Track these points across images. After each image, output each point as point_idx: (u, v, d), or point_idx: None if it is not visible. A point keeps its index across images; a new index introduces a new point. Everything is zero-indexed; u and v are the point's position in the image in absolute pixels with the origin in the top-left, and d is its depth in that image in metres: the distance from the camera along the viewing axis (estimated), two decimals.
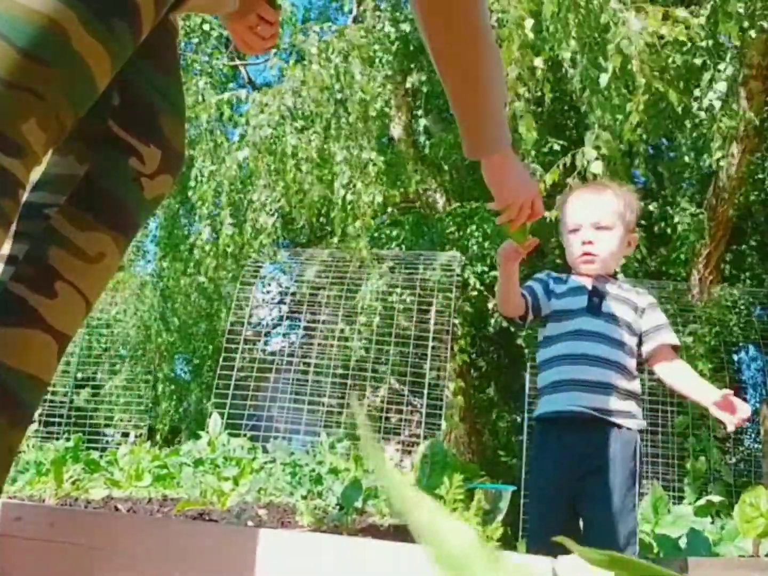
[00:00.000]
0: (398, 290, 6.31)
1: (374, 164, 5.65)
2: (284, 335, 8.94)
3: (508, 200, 1.39)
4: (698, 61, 4.71)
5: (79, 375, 7.54)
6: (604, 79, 4.00)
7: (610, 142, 4.14)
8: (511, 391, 9.68)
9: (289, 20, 6.99)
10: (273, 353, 7.81)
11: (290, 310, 8.08)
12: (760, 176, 7.88)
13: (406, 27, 6.72)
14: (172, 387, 8.57)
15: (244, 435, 4.43)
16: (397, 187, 6.97)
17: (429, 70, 6.73)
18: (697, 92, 4.92)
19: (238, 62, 8.97)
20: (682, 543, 2.39)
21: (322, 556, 0.91)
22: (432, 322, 5.89)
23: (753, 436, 8.63)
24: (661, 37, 3.78)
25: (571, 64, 4.26)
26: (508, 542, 2.43)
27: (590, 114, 4.27)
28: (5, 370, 0.79)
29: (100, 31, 0.72)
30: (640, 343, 1.77)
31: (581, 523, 1.66)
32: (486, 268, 6.80)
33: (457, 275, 6.24)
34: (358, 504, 2.38)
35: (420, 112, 7.17)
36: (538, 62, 4.16)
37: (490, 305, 6.79)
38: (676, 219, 6.71)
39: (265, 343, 8.50)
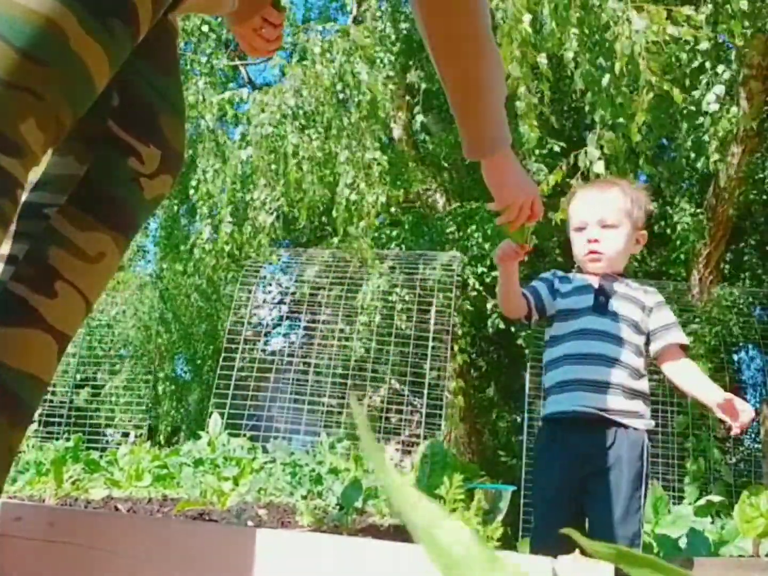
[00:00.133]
0: (398, 290, 6.32)
1: (378, 164, 5.65)
2: (284, 335, 8.96)
3: (508, 201, 1.39)
4: (696, 63, 4.71)
5: (79, 375, 7.55)
6: (606, 78, 3.99)
7: (614, 142, 4.12)
8: (511, 391, 9.68)
9: (288, 19, 6.99)
10: (273, 353, 7.82)
11: (290, 310, 8.08)
12: (760, 176, 7.89)
13: (406, 26, 6.73)
14: (173, 387, 8.57)
15: (244, 435, 4.43)
16: (398, 187, 6.97)
17: (429, 69, 6.74)
18: (696, 93, 4.92)
19: (238, 62, 8.98)
20: (682, 543, 2.39)
21: (322, 556, 0.91)
22: (432, 322, 5.89)
23: (753, 436, 8.64)
24: (666, 39, 3.77)
25: (574, 63, 4.24)
26: (508, 542, 2.43)
27: (593, 113, 4.24)
28: (5, 370, 0.79)
29: (98, 31, 0.72)
30: (648, 342, 1.75)
31: (587, 524, 1.65)
32: (486, 269, 6.80)
33: (457, 275, 6.24)
34: (358, 504, 2.38)
35: (420, 112, 7.16)
36: (540, 59, 4.14)
37: (490, 305, 6.78)
38: (676, 219, 6.72)
39: (265, 343, 8.51)
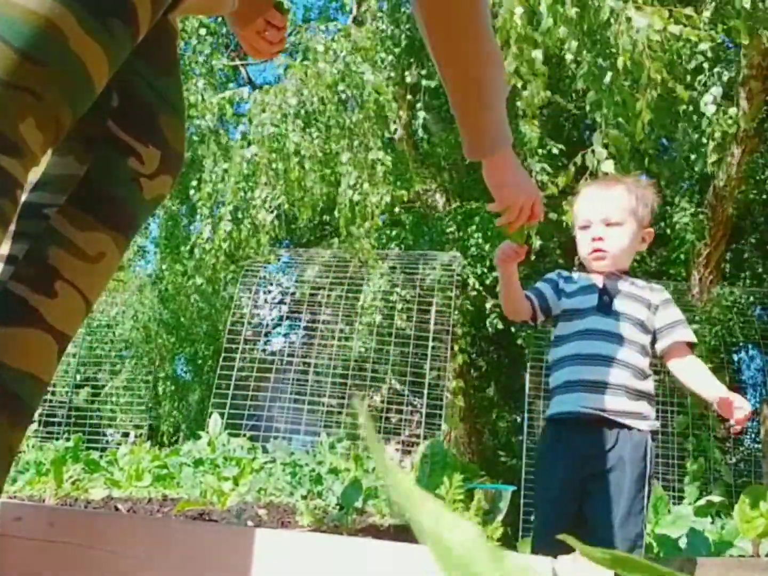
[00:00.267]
0: (398, 290, 6.32)
1: (382, 164, 5.65)
2: (284, 335, 8.96)
3: (508, 201, 1.39)
4: (694, 64, 4.71)
5: (79, 375, 7.55)
6: (608, 75, 3.97)
7: (619, 140, 4.09)
8: (511, 391, 9.68)
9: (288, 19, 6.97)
10: (273, 353, 7.82)
11: (290, 310, 8.08)
12: (761, 176, 7.89)
13: (406, 26, 6.72)
14: (173, 387, 8.58)
15: (244, 435, 4.44)
16: (399, 188, 6.97)
17: (429, 67, 6.73)
18: (694, 94, 4.92)
19: (238, 62, 8.99)
20: (682, 543, 2.39)
21: (322, 556, 0.91)
22: (432, 322, 5.89)
23: (753, 436, 8.63)
24: (667, 36, 3.76)
25: (574, 61, 4.23)
26: (508, 542, 2.43)
27: (595, 112, 4.22)
28: (5, 370, 0.79)
29: (98, 31, 0.72)
30: (654, 341, 1.73)
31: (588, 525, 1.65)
32: (486, 269, 6.80)
33: (457, 275, 6.24)
34: (358, 504, 2.39)
35: (422, 109, 7.15)
36: (536, 54, 4.12)
37: (489, 305, 6.79)
38: (676, 219, 6.72)
39: (265, 343, 8.51)
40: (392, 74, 6.53)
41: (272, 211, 5.66)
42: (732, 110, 4.52)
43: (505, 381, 10.09)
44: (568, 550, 0.78)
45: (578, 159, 4.38)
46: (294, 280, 7.21)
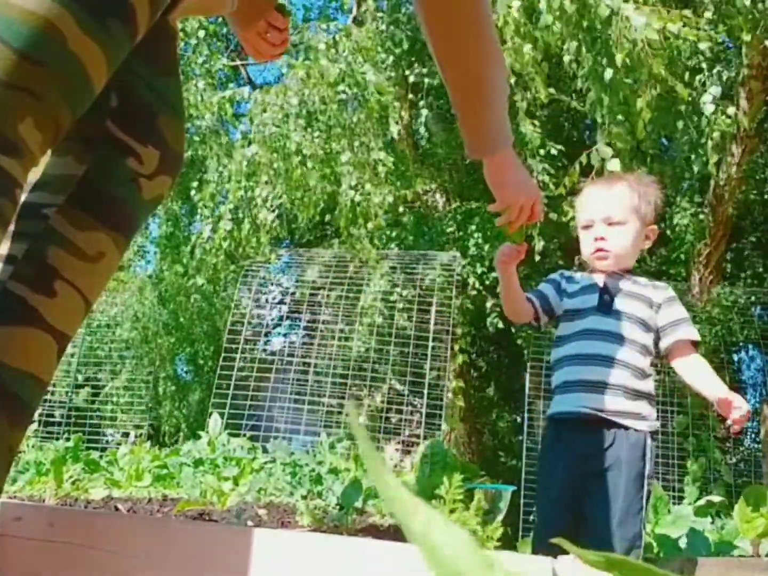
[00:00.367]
0: (398, 290, 6.32)
1: (383, 165, 5.64)
2: (284, 335, 8.96)
3: (509, 201, 1.40)
4: (694, 62, 4.71)
5: (80, 375, 7.55)
6: (609, 72, 3.96)
7: (622, 137, 4.07)
8: (511, 391, 9.67)
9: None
10: (273, 353, 7.82)
11: (290, 310, 8.08)
12: (761, 176, 7.89)
13: (407, 25, 6.72)
14: (174, 388, 8.58)
15: (244, 435, 4.44)
16: (399, 188, 6.97)
17: (431, 66, 6.73)
18: (693, 93, 4.91)
19: (238, 62, 8.99)
20: (682, 543, 2.39)
21: (322, 556, 0.91)
22: (432, 322, 5.89)
23: (753, 436, 8.63)
24: (666, 35, 3.76)
25: (574, 59, 4.22)
26: (508, 542, 2.43)
27: (597, 110, 4.20)
28: (5, 369, 0.79)
29: (96, 31, 0.72)
30: (658, 339, 1.72)
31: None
32: (486, 269, 6.80)
33: (457, 275, 6.24)
34: (358, 504, 2.39)
35: (423, 110, 7.15)
36: (528, 48, 4.12)
37: (489, 304, 6.79)
38: (676, 219, 6.72)
39: (265, 343, 8.51)
40: (392, 74, 6.52)
41: (273, 210, 5.65)
42: (731, 110, 4.51)
43: (505, 381, 10.09)
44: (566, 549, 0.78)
45: (583, 158, 4.36)
46: (294, 280, 7.21)
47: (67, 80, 0.72)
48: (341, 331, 6.38)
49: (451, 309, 6.04)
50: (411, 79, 6.82)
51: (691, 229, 6.55)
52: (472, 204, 7.41)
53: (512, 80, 4.20)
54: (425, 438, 5.15)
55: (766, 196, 8.21)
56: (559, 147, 5.66)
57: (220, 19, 7.63)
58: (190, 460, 3.38)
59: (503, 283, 1.74)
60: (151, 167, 0.93)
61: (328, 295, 6.48)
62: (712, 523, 2.97)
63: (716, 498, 3.44)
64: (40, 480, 2.82)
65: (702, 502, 3.34)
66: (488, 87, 1.22)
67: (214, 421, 4.35)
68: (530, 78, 4.44)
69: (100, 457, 3.82)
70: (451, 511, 1.63)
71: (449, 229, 7.29)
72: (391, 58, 6.59)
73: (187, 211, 7.60)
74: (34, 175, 0.87)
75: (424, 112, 7.05)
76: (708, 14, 4.35)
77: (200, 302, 7.99)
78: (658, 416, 1.75)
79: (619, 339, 1.68)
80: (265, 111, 5.67)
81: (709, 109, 4.33)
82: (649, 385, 1.69)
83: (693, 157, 5.55)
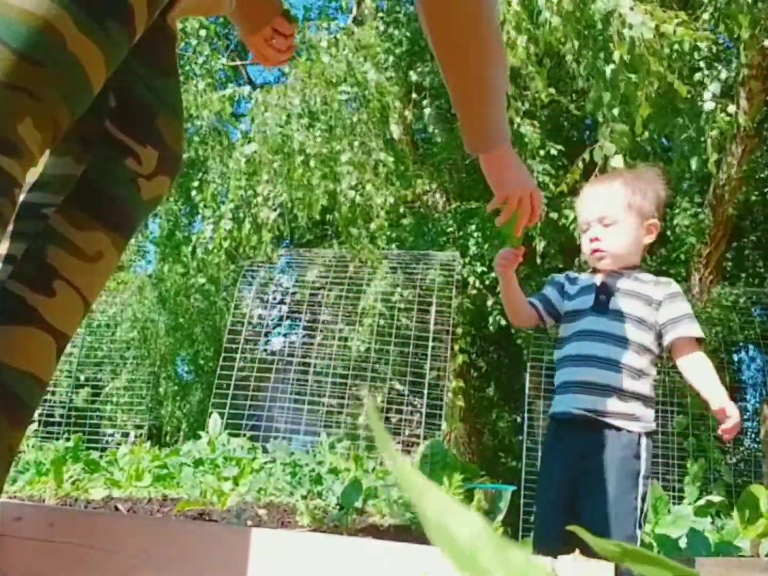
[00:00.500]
0: (398, 290, 6.32)
1: (384, 165, 5.64)
2: (284, 335, 8.96)
3: (507, 193, 1.42)
4: (693, 58, 4.70)
5: (82, 375, 7.55)
6: (609, 68, 3.95)
7: (625, 132, 4.04)
8: (511, 391, 9.68)
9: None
10: (273, 353, 7.82)
11: (290, 310, 8.08)
12: (761, 176, 7.89)
13: (407, 27, 6.72)
14: (176, 388, 8.58)
15: (244, 435, 4.44)
16: (399, 188, 6.97)
17: (433, 67, 6.72)
18: (693, 92, 4.91)
19: (238, 62, 8.99)
20: (682, 543, 2.39)
21: (322, 556, 0.91)
22: (432, 322, 5.89)
23: (753, 436, 8.63)
24: (662, 32, 3.76)
25: (575, 56, 4.21)
26: None
27: (598, 108, 4.19)
28: (5, 369, 0.79)
29: (95, 32, 0.72)
30: (660, 337, 1.70)
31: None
32: (486, 268, 6.80)
33: (457, 275, 6.24)
34: (358, 504, 2.39)
35: (426, 109, 7.14)
36: (522, 41, 4.12)
37: (490, 303, 6.78)
38: (676, 219, 6.71)
39: (266, 343, 8.51)
40: (392, 75, 6.52)
41: (275, 209, 5.65)
42: (731, 107, 4.51)
43: (505, 381, 10.10)
44: (569, 549, 0.78)
45: (586, 155, 4.35)
46: (294, 280, 7.21)
47: (66, 81, 0.72)
48: (341, 331, 6.38)
49: (451, 309, 6.04)
50: (413, 78, 6.82)
51: (691, 229, 6.54)
52: (471, 204, 7.41)
53: (512, 80, 4.20)
54: (425, 438, 5.15)
55: (766, 196, 8.21)
56: (559, 147, 5.66)
57: (220, 19, 7.62)
58: (190, 460, 3.38)
59: (504, 288, 1.75)
60: (150, 167, 0.93)
61: (328, 295, 6.48)
62: (712, 523, 2.97)
63: (716, 498, 3.44)
64: (40, 480, 2.82)
65: (702, 502, 3.34)
66: (489, 86, 1.23)
67: (214, 421, 4.36)
68: (530, 78, 4.44)
69: (100, 457, 3.82)
70: None
71: (449, 229, 7.29)
72: (391, 58, 6.59)
73: (187, 211, 7.59)
74: (32, 175, 0.87)
75: (427, 111, 7.04)
76: (706, 15, 4.36)
77: (200, 302, 7.99)
78: (658, 416, 1.75)
79: (614, 339, 1.68)
80: (266, 110, 5.67)
81: (708, 106, 4.33)
82: (645, 386, 1.68)
83: (693, 156, 5.55)
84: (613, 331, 1.69)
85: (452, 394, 6.88)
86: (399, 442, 6.29)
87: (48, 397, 6.53)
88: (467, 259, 6.78)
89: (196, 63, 6.66)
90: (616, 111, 4.02)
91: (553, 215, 5.46)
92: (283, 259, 7.19)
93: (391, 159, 5.83)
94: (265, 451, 3.95)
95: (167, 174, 0.96)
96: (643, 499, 1.61)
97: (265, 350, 8.18)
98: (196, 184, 6.22)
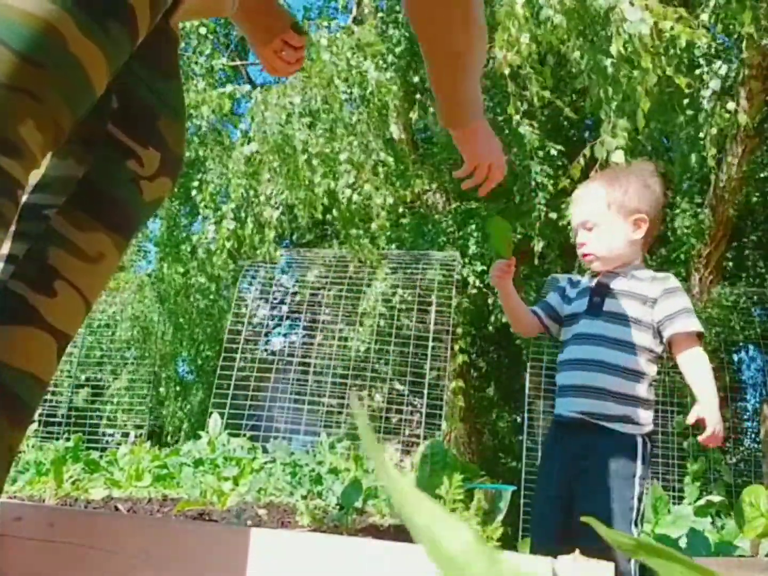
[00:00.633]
0: (398, 290, 6.32)
1: (384, 165, 5.64)
2: (284, 335, 8.96)
3: (478, 161, 1.46)
4: (693, 56, 4.70)
5: (84, 375, 7.55)
6: (609, 63, 3.94)
7: (629, 129, 4.02)
8: (511, 391, 9.68)
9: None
10: (273, 353, 7.82)
11: (291, 310, 8.08)
12: (761, 176, 7.88)
13: (407, 27, 6.72)
14: (177, 388, 8.59)
15: (244, 435, 4.44)
16: (398, 188, 6.97)
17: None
18: (692, 91, 4.91)
19: (238, 62, 8.99)
20: (682, 543, 2.39)
21: (322, 556, 0.91)
22: (432, 322, 5.89)
23: (753, 436, 8.63)
24: (661, 29, 3.76)
25: (575, 55, 4.21)
26: (508, 542, 2.43)
27: (599, 105, 4.17)
28: (5, 369, 0.79)
29: (96, 33, 0.72)
30: (660, 335, 1.69)
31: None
32: (485, 267, 6.80)
33: (457, 274, 6.24)
34: (358, 504, 2.39)
35: (431, 108, 7.14)
36: (524, 39, 4.11)
37: (491, 302, 6.78)
38: (676, 220, 6.71)
39: (266, 343, 8.51)
40: (392, 74, 6.52)
41: (277, 207, 5.65)
42: (730, 105, 4.50)
43: (505, 381, 10.10)
44: (567, 549, 0.78)
45: (587, 151, 4.34)
46: (294, 280, 7.21)
47: (68, 82, 0.72)
48: (341, 331, 6.38)
49: (451, 309, 6.04)
50: (413, 78, 6.82)
51: (691, 229, 6.54)
52: (471, 204, 7.41)
53: (512, 80, 4.20)
54: (425, 438, 5.15)
55: (766, 197, 8.20)
56: (559, 147, 5.66)
57: (221, 20, 7.62)
58: (190, 460, 3.38)
59: (503, 299, 1.80)
60: (152, 169, 0.93)
61: (328, 295, 6.48)
62: (712, 523, 2.98)
63: (716, 498, 3.44)
64: (40, 480, 2.82)
65: (702, 502, 3.34)
66: (469, 61, 1.26)
67: (214, 421, 4.36)
68: (529, 78, 4.43)
69: (100, 457, 3.82)
70: (452, 511, 1.64)
71: (449, 229, 7.29)
72: (391, 57, 6.59)
73: (187, 211, 7.59)
74: (34, 176, 0.87)
75: (432, 109, 7.03)
76: (704, 16, 4.36)
77: (201, 302, 7.99)
78: (657, 416, 1.76)
79: (608, 341, 1.68)
80: (266, 109, 5.66)
81: (707, 104, 4.33)
82: (642, 388, 1.67)
83: (693, 156, 5.55)
84: (607, 333, 1.69)
85: (452, 394, 6.88)
86: (399, 442, 6.29)
87: (48, 397, 6.53)
88: (467, 259, 6.78)
89: (196, 63, 6.66)
90: (614, 105, 4.02)
91: (552, 215, 5.46)
92: (284, 259, 7.19)
93: (391, 159, 5.82)
94: (265, 451, 3.95)
95: (169, 176, 0.96)
96: (640, 499, 1.61)
97: (266, 350, 8.18)
98: (196, 184, 6.22)
